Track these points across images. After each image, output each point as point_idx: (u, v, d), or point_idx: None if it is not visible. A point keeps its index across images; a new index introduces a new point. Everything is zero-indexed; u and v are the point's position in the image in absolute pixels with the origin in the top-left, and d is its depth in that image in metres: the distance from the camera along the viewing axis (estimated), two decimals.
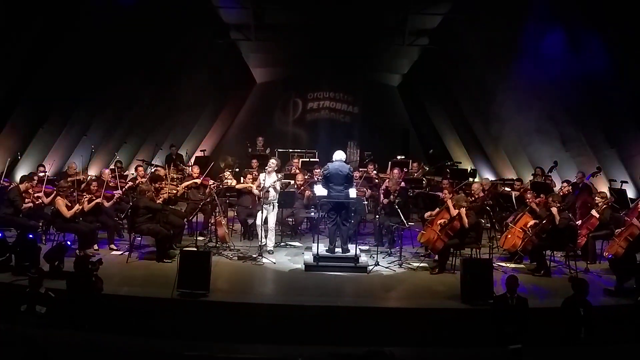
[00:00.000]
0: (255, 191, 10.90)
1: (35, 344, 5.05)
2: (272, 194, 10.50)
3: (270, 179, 10.48)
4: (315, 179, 12.08)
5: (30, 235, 9.31)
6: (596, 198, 10.58)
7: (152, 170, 13.47)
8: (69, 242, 9.81)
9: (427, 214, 10.38)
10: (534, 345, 6.95)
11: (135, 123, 15.60)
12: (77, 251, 9.69)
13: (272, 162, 10.61)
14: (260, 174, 10.84)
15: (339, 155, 10.00)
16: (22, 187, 10.26)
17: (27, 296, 7.09)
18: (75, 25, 11.60)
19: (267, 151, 15.19)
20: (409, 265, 10.13)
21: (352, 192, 10.10)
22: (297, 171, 12.95)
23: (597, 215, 10.31)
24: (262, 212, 10.41)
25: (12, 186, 10.47)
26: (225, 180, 11.90)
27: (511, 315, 7.26)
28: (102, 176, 11.71)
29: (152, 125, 16.13)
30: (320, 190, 10.09)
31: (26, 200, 10.17)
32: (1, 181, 10.95)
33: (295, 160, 14.13)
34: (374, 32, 15.22)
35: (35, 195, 10.41)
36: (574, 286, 7.30)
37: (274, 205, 10.52)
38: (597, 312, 7.33)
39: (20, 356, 4.92)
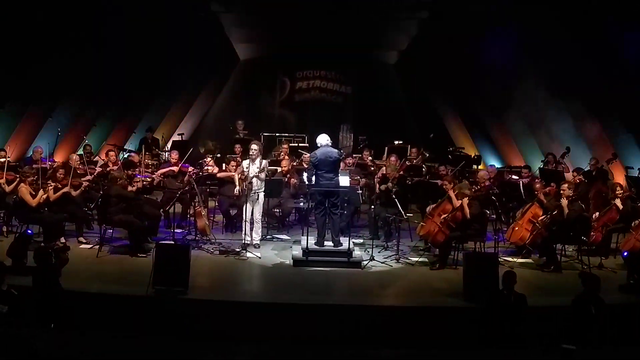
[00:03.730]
0: (237, 183, 10.81)
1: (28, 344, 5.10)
2: (257, 183, 10.48)
3: (254, 167, 10.47)
4: (305, 165, 12.11)
5: None
6: (617, 190, 10.47)
7: (125, 155, 13.38)
8: (30, 231, 9.74)
9: (429, 208, 10.40)
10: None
11: (106, 105, 15.53)
12: (41, 244, 9.67)
13: (254, 148, 10.53)
14: (243, 161, 10.81)
15: (323, 139, 10.00)
16: None
17: None
18: None
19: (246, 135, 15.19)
20: (407, 260, 10.16)
21: (345, 180, 10.12)
22: (283, 156, 12.96)
23: (621, 207, 10.27)
24: (247, 204, 10.39)
25: None
26: (206, 167, 11.89)
27: (508, 313, 7.34)
28: (69, 162, 11.66)
29: (124, 107, 16.07)
30: (309, 178, 10.13)
31: None
32: None
33: (285, 146, 14.15)
34: (369, 3, 15.19)
35: None
36: (584, 282, 7.39)
37: (259, 195, 10.51)
38: (610, 310, 7.41)
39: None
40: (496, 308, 7.41)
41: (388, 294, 8.92)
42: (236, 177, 10.82)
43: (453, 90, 17.52)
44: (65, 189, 10.35)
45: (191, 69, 16.86)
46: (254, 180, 10.42)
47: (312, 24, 16.09)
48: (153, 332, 7.54)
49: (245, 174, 10.47)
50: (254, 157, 10.51)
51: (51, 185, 10.26)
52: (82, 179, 11.03)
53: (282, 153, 13.52)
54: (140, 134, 16.31)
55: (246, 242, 10.36)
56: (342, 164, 11.09)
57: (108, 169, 11.83)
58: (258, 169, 10.46)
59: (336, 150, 10.04)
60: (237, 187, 10.59)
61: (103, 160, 12.87)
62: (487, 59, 14.99)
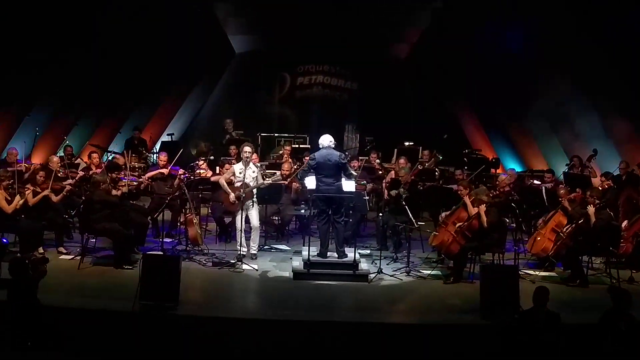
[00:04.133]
0: (222, 182, 10.63)
1: None
2: (252, 190, 10.49)
3: (249, 171, 10.42)
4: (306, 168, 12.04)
5: None
6: None
7: (110, 157, 13.38)
8: (5, 240, 9.73)
9: (442, 215, 10.39)
10: None
11: (88, 102, 15.52)
12: (17, 255, 9.59)
13: (247, 150, 10.45)
14: (234, 166, 10.74)
15: (325, 140, 10.00)
16: None
17: None
18: None
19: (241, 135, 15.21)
20: (419, 273, 10.17)
21: (349, 185, 10.11)
22: (286, 158, 12.90)
23: None
24: (241, 212, 10.32)
25: None
26: (198, 171, 11.87)
27: (540, 333, 7.29)
28: (50, 164, 11.60)
29: (109, 104, 16.07)
30: (311, 183, 10.11)
31: None
32: None
33: (288, 148, 14.10)
34: None
35: None
36: (614, 297, 7.34)
37: (253, 203, 10.51)
38: None
39: None
40: (525, 327, 7.37)
41: (397, 310, 8.91)
42: (223, 183, 10.67)
43: (468, 86, 17.50)
44: (46, 192, 10.34)
45: (182, 63, 16.88)
46: (250, 184, 10.40)
47: (315, 14, 16.12)
48: (140, 351, 7.51)
49: (239, 179, 10.38)
50: (247, 159, 10.44)
51: (29, 190, 10.23)
52: (64, 183, 11.00)
53: (284, 155, 13.46)
54: (126, 133, 16.30)
55: (242, 252, 10.34)
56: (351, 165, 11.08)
57: (91, 172, 11.83)
58: (255, 174, 10.44)
59: (337, 153, 10.02)
60: (232, 195, 10.43)
61: (85, 162, 12.88)
62: (506, 52, 15.00)
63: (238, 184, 10.38)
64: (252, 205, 10.48)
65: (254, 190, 10.48)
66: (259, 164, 10.93)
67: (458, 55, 16.69)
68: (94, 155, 12.67)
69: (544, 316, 7.41)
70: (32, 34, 12.59)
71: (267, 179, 10.53)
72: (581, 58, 13.29)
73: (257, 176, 10.48)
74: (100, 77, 14.92)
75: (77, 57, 13.86)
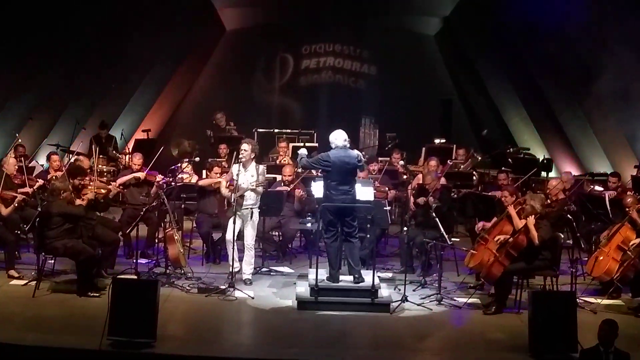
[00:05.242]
0: (225, 192, 10.85)
1: None
2: (251, 197, 10.51)
3: (246, 175, 10.45)
4: (314, 173, 12.07)
5: None
6: None
7: (72, 159, 13.35)
8: None
9: (479, 226, 10.38)
10: None
11: (46, 90, 15.53)
12: None
13: (246, 148, 10.48)
14: (233, 166, 10.76)
15: (339, 138, 9.98)
16: None
17: None
18: None
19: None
20: (452, 302, 10.14)
21: (366, 192, 10.08)
22: (285, 161, 12.93)
23: None
24: (234, 223, 10.33)
25: None
26: (180, 175, 11.89)
27: None
28: (3, 166, 11.63)
29: (71, 93, 16.07)
30: (319, 190, 10.13)
31: None
32: None
33: (283, 144, 14.07)
34: None
35: None
36: None
37: (252, 213, 10.50)
38: None
39: None
40: None
41: (426, 347, 8.87)
42: (223, 186, 10.79)
43: (512, 67, 17.46)
44: None
45: (162, 42, 16.93)
46: (248, 193, 10.43)
47: None
48: None
49: (235, 183, 10.43)
50: (244, 159, 10.45)
51: None
52: (17, 192, 11.02)
53: (279, 155, 13.47)
54: (92, 129, 16.28)
55: (234, 276, 10.33)
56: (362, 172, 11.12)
57: (49, 177, 11.83)
58: (254, 178, 10.46)
59: (356, 153, 10.03)
60: (226, 193, 10.60)
61: (42, 165, 12.92)
62: (558, 23, 14.94)
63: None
64: (251, 215, 10.50)
65: (253, 196, 10.49)
66: (263, 167, 10.89)
67: (499, 30, 16.64)
68: (53, 156, 12.65)
69: (612, 356, 7.36)
70: None
71: (260, 187, 10.54)
72: None
73: (253, 179, 10.47)
74: (61, 59, 14.91)
75: (30, 31, 13.85)
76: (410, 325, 9.34)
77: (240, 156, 10.51)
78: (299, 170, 11.99)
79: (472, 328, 9.32)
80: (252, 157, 10.61)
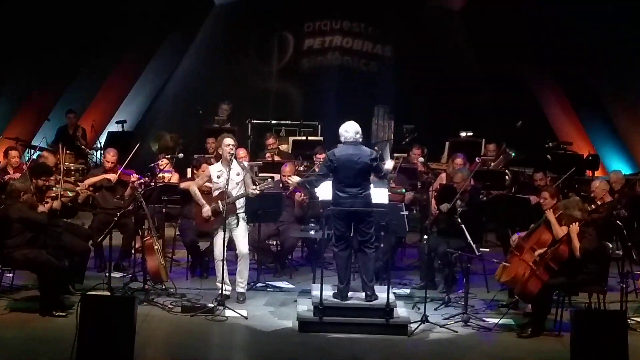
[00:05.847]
0: (193, 191, 10.72)
1: None
2: (240, 200, 10.61)
3: (232, 174, 10.47)
4: (317, 170, 12.14)
5: None
6: None
7: (34, 155, 13.48)
8: None
9: (513, 239, 10.31)
10: None
11: (5, 77, 15.63)
12: None
13: (228, 143, 10.55)
14: (213, 166, 10.89)
15: (349, 130, 9.97)
16: None
17: None
18: None
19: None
20: (481, 323, 10.16)
21: (380, 194, 10.20)
22: (271, 154, 13.28)
23: None
24: (223, 234, 10.34)
25: None
26: (161, 174, 12.03)
27: None
28: None
29: (33, 79, 16.13)
30: (325, 192, 10.16)
31: None
32: None
33: (271, 140, 14.17)
34: None
35: None
36: None
37: (239, 220, 10.57)
38: None
39: None
40: None
41: None
42: (195, 191, 10.76)
43: (551, 47, 17.57)
44: None
45: (140, 17, 17.16)
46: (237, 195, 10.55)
47: None
48: None
49: (217, 185, 10.51)
50: (228, 156, 10.52)
51: None
52: None
53: (267, 152, 13.69)
54: (58, 120, 16.40)
55: (224, 292, 10.41)
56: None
57: (7, 177, 11.92)
58: (240, 177, 10.51)
59: (368, 151, 10.05)
60: (207, 207, 10.59)
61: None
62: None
63: (216, 193, 10.51)
64: (237, 223, 10.57)
65: (241, 201, 10.52)
66: (247, 163, 11.07)
67: (536, 6, 16.53)
68: (12, 152, 12.83)
69: None
70: None
71: (257, 187, 10.55)
72: None
73: (244, 181, 10.52)
74: (22, 38, 14.96)
75: None
76: (432, 350, 9.41)
77: (227, 154, 10.53)
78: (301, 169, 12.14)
79: (504, 353, 9.39)
80: (239, 153, 10.97)
